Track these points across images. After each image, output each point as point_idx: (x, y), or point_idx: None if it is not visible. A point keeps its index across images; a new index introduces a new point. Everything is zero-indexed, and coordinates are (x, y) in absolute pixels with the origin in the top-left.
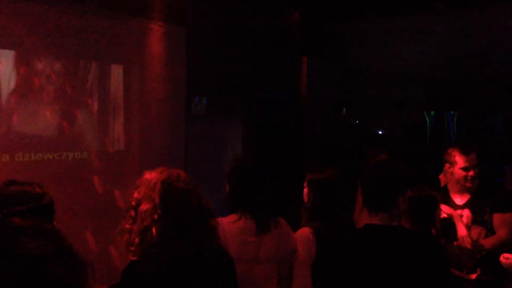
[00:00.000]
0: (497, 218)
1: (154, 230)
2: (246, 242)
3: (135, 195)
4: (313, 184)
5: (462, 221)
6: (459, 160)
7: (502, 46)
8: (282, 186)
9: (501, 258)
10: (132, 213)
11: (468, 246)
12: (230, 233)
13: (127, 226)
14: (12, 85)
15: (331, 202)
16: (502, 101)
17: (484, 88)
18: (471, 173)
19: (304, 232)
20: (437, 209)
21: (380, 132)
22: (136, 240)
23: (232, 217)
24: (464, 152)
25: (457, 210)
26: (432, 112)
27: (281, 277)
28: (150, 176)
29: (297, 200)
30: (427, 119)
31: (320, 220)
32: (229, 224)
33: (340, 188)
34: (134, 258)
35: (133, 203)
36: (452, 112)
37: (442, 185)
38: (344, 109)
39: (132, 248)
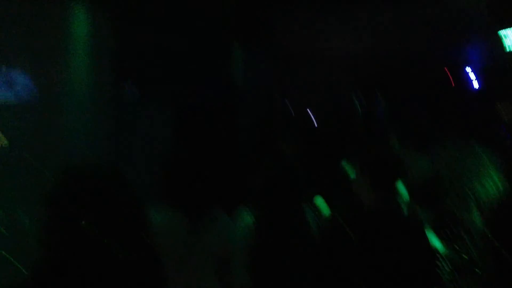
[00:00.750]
0: None
1: None
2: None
3: None
4: None
5: None
6: None
7: (426, 31)
8: (215, 174)
9: None
10: None
11: None
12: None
13: None
14: None
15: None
16: (429, 86)
17: (410, 71)
18: None
19: None
20: None
21: (312, 116)
22: None
23: (165, 208)
24: None
25: None
26: (362, 96)
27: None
28: None
29: (231, 189)
30: (357, 102)
31: None
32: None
33: None
34: None
35: None
36: (380, 95)
37: None
38: (278, 95)
39: None
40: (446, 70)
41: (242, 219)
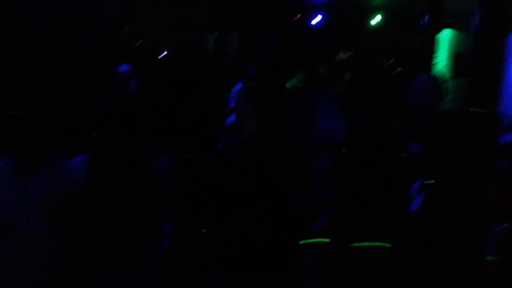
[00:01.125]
0: None
1: None
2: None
3: None
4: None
5: None
6: None
7: None
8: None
9: None
10: None
11: None
12: None
13: None
14: None
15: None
16: (278, 25)
17: (262, 11)
18: None
19: None
20: None
21: (164, 53)
22: None
23: None
24: None
25: None
26: (215, 33)
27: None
28: None
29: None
30: (210, 40)
31: None
32: None
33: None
34: None
35: None
36: (232, 34)
37: None
38: (125, 27)
39: None
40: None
41: (81, 164)
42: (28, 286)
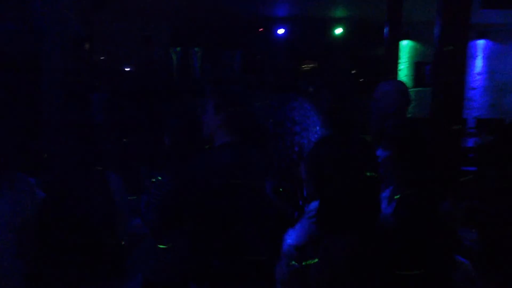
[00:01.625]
0: None
1: None
2: None
3: None
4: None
5: None
6: None
7: None
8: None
9: None
10: None
11: None
12: None
13: None
14: None
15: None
16: (241, 39)
17: (224, 25)
18: None
19: None
20: None
21: (127, 69)
22: None
23: None
24: None
25: None
26: (178, 48)
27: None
28: None
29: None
30: (173, 55)
31: None
32: None
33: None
34: None
35: None
36: (196, 48)
37: None
38: (87, 44)
39: None
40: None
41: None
42: None
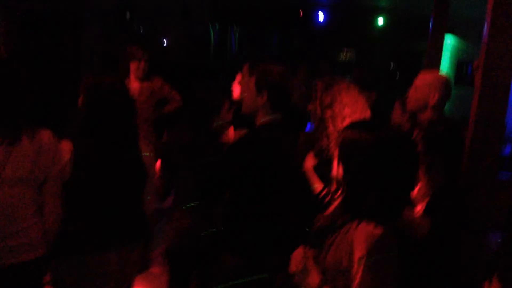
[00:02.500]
0: None
1: None
2: None
3: None
4: (91, 90)
5: None
6: None
7: None
8: (52, 95)
9: None
10: None
11: None
12: None
13: None
14: None
15: (110, 112)
16: (280, 20)
17: (265, 4)
18: None
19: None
20: None
21: (164, 42)
22: None
23: None
24: None
25: None
26: (217, 25)
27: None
28: None
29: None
30: (212, 31)
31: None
32: None
33: (128, 99)
34: None
35: None
36: (234, 26)
37: None
38: (128, 13)
39: None
40: (301, 11)
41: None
42: (15, 265)
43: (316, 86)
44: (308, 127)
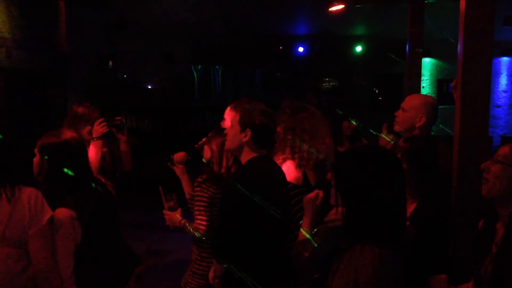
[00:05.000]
0: None
1: None
2: None
3: None
4: (48, 151)
5: None
6: None
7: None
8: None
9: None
10: None
11: None
12: None
13: None
14: None
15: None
16: (261, 56)
17: (245, 43)
18: None
19: (65, 213)
20: None
21: (149, 86)
22: None
23: None
24: None
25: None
26: (199, 66)
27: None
28: None
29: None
30: (195, 72)
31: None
32: None
33: (82, 154)
34: None
35: None
36: (217, 66)
37: None
38: (111, 62)
39: None
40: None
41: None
42: None
43: (284, 109)
44: None
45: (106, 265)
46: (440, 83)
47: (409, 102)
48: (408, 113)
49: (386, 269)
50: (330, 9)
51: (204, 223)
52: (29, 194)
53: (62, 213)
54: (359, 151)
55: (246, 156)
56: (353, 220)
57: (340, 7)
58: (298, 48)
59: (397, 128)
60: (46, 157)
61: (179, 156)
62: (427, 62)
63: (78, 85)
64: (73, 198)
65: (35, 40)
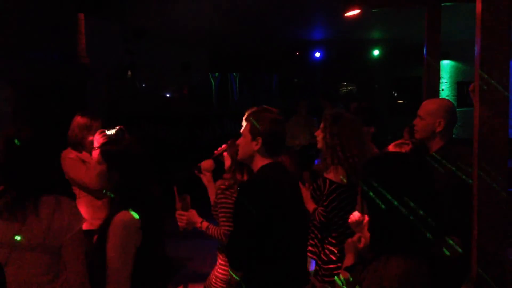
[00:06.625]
0: None
1: None
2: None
3: None
4: (114, 159)
5: None
6: None
7: (279, 10)
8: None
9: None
10: None
11: None
12: None
13: None
14: None
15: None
16: (278, 62)
17: (262, 49)
18: None
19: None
20: None
21: (167, 95)
22: None
23: None
24: None
25: None
26: (216, 74)
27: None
28: None
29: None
30: (212, 80)
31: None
32: None
33: (147, 161)
34: None
35: None
36: (234, 73)
37: None
38: (129, 72)
39: None
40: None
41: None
42: None
43: (325, 117)
44: (316, 162)
45: (150, 270)
46: (459, 85)
47: (425, 108)
48: (426, 120)
49: (412, 282)
50: (345, 15)
51: (232, 229)
52: (64, 203)
53: (128, 216)
54: (387, 158)
55: (258, 163)
56: (379, 230)
57: (356, 12)
58: (315, 53)
59: (418, 136)
60: (116, 167)
61: (207, 164)
62: (446, 65)
63: (98, 95)
64: (137, 204)
65: (55, 53)
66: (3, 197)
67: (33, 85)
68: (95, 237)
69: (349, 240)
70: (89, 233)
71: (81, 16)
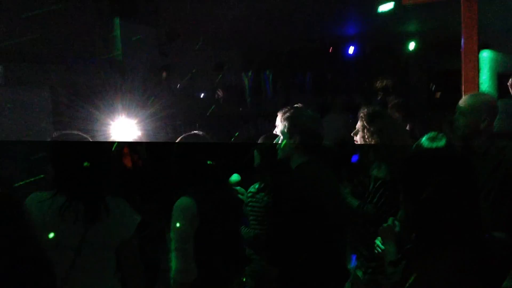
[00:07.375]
0: None
1: None
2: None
3: None
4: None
5: None
6: None
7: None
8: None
9: None
10: None
11: None
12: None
13: None
14: None
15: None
16: (311, 59)
17: (294, 47)
18: None
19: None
20: None
21: (201, 95)
22: None
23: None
24: None
25: None
26: (250, 73)
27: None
28: None
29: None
30: (245, 80)
31: None
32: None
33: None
34: None
35: None
36: (267, 71)
37: None
38: (164, 73)
39: None
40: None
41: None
42: None
43: (362, 115)
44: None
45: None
46: (500, 77)
47: (467, 104)
48: (468, 117)
49: (461, 277)
50: (379, 10)
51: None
52: (121, 202)
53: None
54: (429, 153)
55: (296, 161)
56: (423, 224)
57: (390, 4)
58: (348, 48)
59: (459, 132)
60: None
61: (234, 180)
62: (485, 56)
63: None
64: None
65: (93, 57)
66: (69, 201)
67: (75, 90)
68: None
69: (384, 226)
70: None
71: (117, 20)
